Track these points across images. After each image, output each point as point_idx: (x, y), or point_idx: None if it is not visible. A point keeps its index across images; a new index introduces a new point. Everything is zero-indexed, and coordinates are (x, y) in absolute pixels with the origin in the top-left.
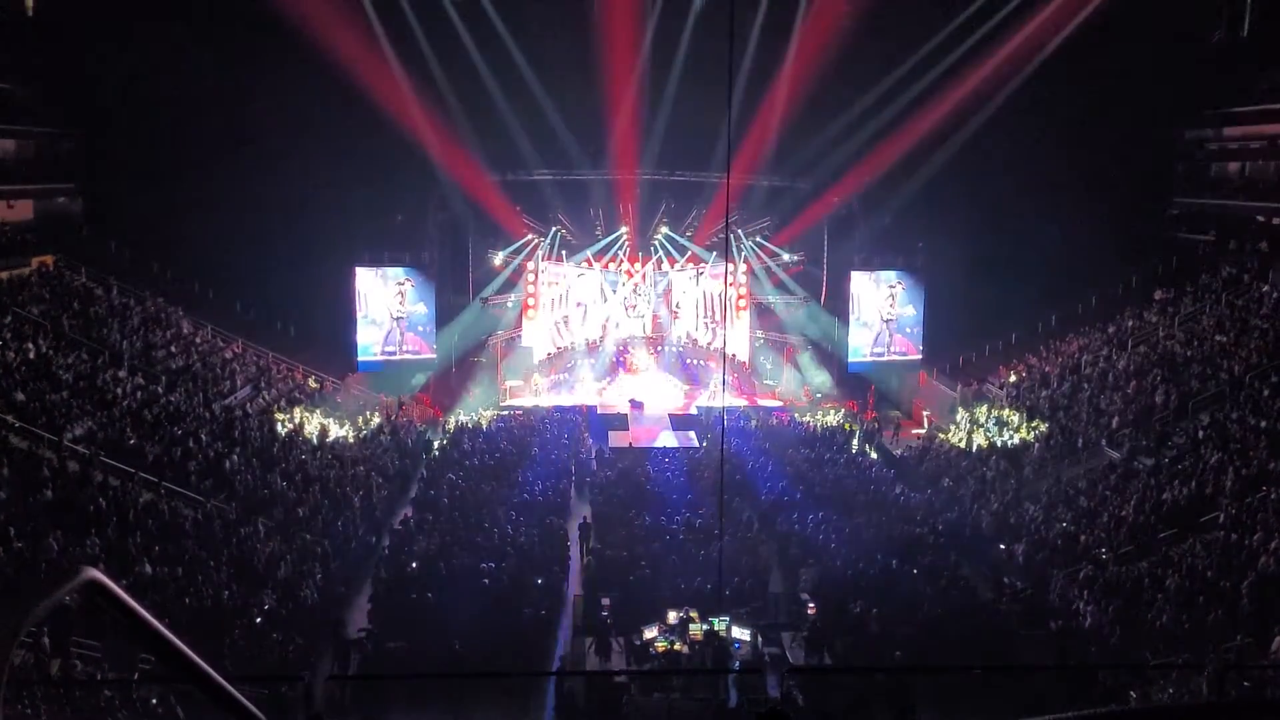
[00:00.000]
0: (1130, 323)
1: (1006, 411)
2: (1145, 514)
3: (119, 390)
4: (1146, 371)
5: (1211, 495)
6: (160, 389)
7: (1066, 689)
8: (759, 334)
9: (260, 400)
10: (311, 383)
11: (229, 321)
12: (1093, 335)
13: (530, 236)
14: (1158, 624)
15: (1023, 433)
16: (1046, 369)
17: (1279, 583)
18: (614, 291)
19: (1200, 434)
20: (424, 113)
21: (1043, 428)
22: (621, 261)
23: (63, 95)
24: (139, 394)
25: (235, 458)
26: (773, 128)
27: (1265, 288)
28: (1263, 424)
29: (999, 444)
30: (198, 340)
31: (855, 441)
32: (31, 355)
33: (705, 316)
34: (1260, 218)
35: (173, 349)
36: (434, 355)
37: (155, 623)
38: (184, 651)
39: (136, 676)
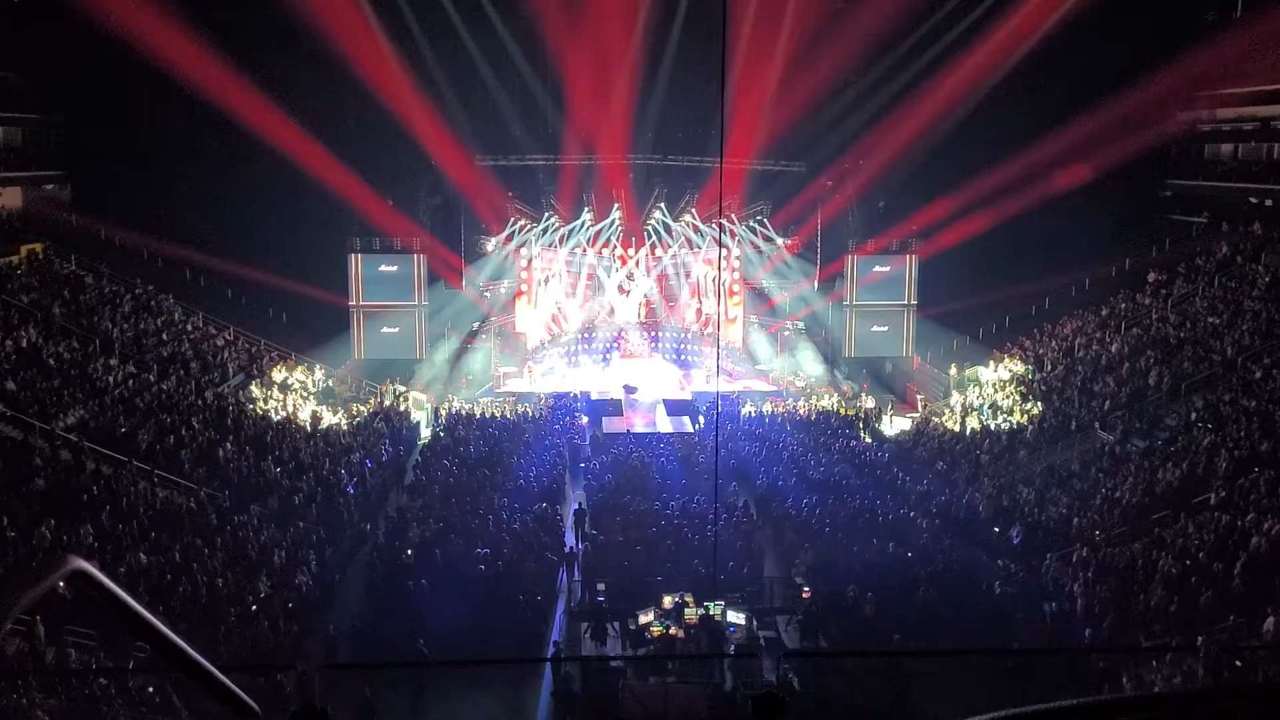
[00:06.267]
0: (1123, 305)
1: (1000, 395)
2: (1138, 496)
3: (110, 378)
4: (1139, 353)
5: (1204, 477)
6: (152, 377)
7: (1060, 671)
8: (753, 318)
9: (252, 389)
10: (302, 370)
11: (220, 309)
12: (1086, 318)
13: (523, 222)
14: (1150, 605)
15: (1016, 415)
16: (1040, 352)
17: (1270, 564)
18: (608, 276)
19: (1193, 416)
20: (415, 97)
21: (1036, 410)
22: (615, 247)
23: (50, 82)
24: (130, 382)
25: (228, 445)
26: (767, 111)
27: (1258, 269)
28: (1254, 405)
29: (992, 427)
30: (189, 328)
31: (856, 428)
32: (24, 343)
33: (698, 301)
34: (1253, 199)
35: (164, 336)
36: (425, 342)
37: (144, 612)
38: (173, 640)
39: (131, 665)
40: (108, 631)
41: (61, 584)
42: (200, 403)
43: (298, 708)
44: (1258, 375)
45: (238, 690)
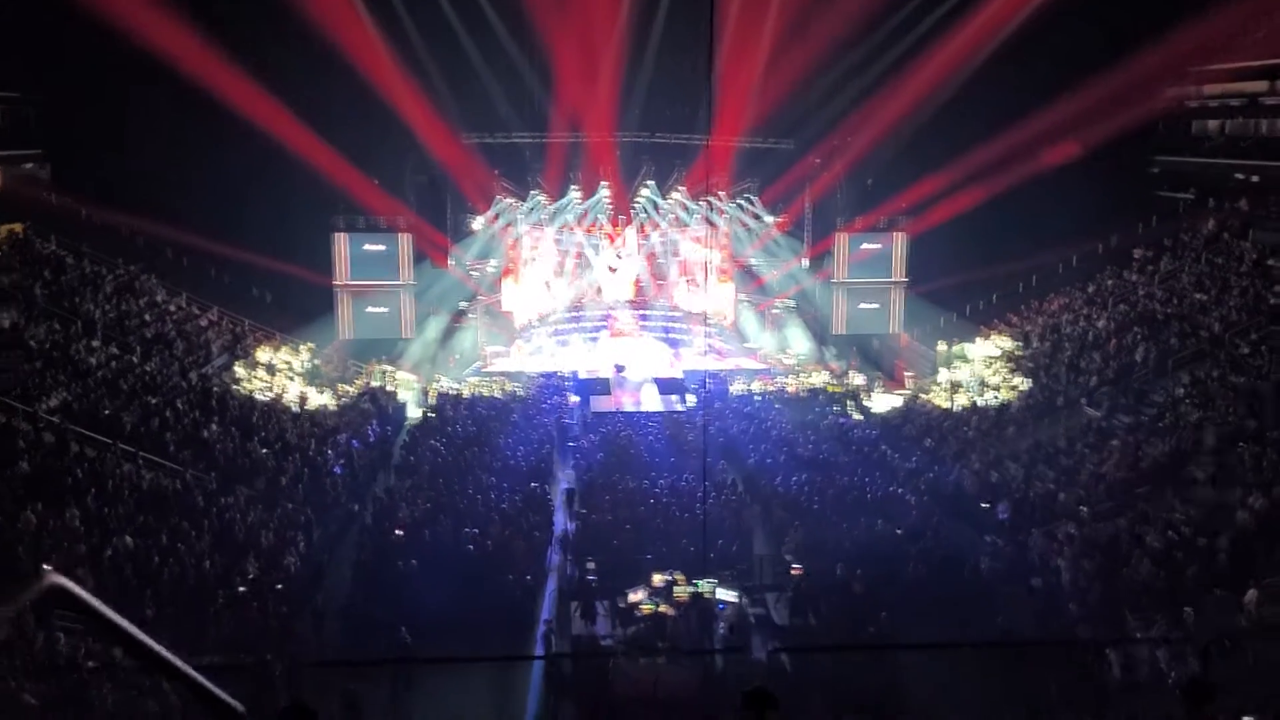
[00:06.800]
0: (1110, 281)
1: (988, 372)
2: (1124, 471)
3: (93, 360)
4: (1126, 330)
5: (1190, 452)
6: (135, 358)
7: (1047, 646)
8: (742, 296)
9: (237, 369)
10: (287, 350)
11: (204, 289)
12: (1073, 294)
13: (510, 200)
14: (1136, 579)
15: (1004, 392)
16: (1028, 328)
17: (1255, 537)
18: (596, 255)
19: (1180, 391)
20: (399, 74)
21: (1023, 386)
22: (602, 225)
23: (28, 60)
24: (113, 363)
25: (214, 426)
26: (755, 88)
27: (1245, 245)
28: (1241, 381)
29: (980, 404)
30: (172, 308)
31: (844, 405)
32: (5, 325)
33: (686, 278)
34: (1240, 175)
35: (146, 317)
36: (412, 322)
37: (124, 622)
38: (155, 649)
39: (119, 657)
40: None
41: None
42: (185, 384)
43: (285, 704)
44: (1245, 351)
45: (221, 693)
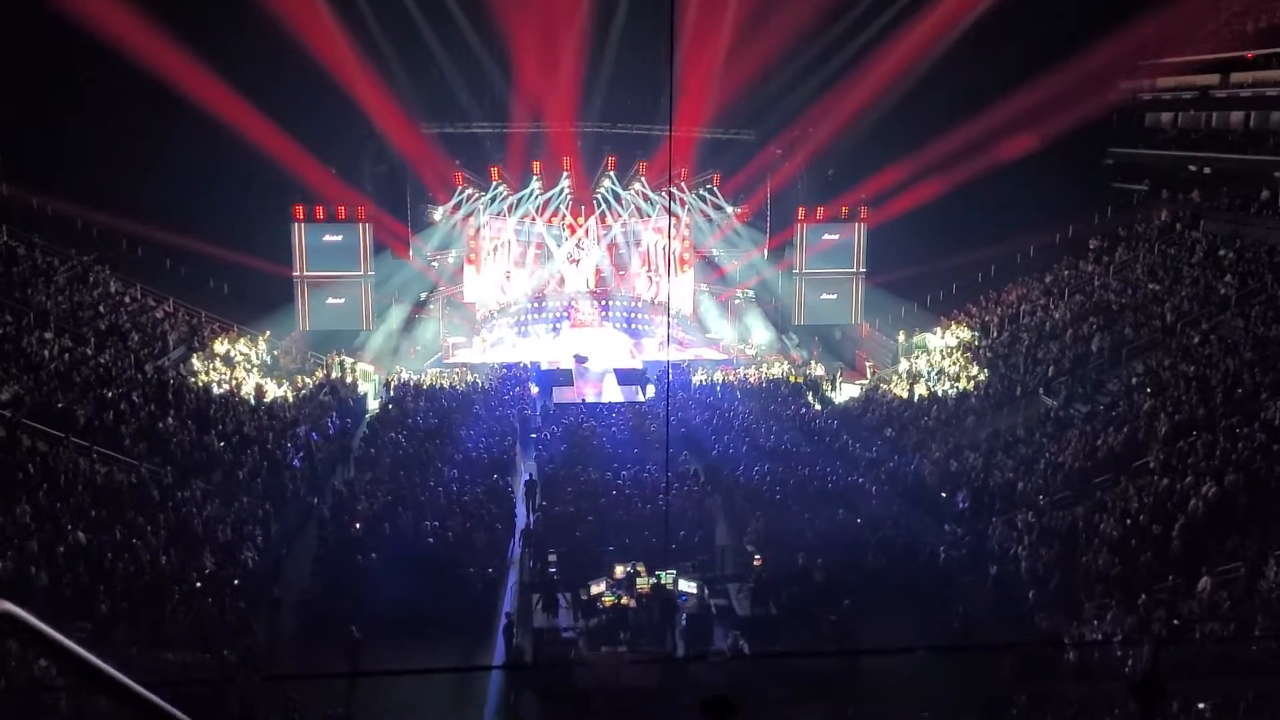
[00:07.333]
0: (1066, 272)
1: (947, 362)
2: (1081, 460)
3: (46, 352)
4: (1082, 319)
5: (1144, 441)
6: (89, 350)
7: (1005, 631)
8: (703, 286)
9: (194, 361)
10: (245, 342)
11: (159, 280)
12: (1030, 285)
13: (470, 190)
14: (1094, 567)
15: (963, 382)
16: (986, 318)
17: (1207, 525)
18: (557, 245)
19: (1134, 381)
20: (357, 62)
21: (982, 376)
22: (564, 215)
23: None
24: (66, 356)
25: (170, 419)
26: (716, 79)
27: (1197, 235)
28: (1193, 370)
29: (940, 393)
30: (126, 300)
31: (806, 395)
32: None
33: (648, 269)
34: (1192, 167)
35: (101, 309)
36: (372, 313)
37: (76, 647)
38: (108, 672)
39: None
40: (47, 615)
41: None
42: (140, 376)
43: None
44: (1196, 341)
45: (177, 712)
